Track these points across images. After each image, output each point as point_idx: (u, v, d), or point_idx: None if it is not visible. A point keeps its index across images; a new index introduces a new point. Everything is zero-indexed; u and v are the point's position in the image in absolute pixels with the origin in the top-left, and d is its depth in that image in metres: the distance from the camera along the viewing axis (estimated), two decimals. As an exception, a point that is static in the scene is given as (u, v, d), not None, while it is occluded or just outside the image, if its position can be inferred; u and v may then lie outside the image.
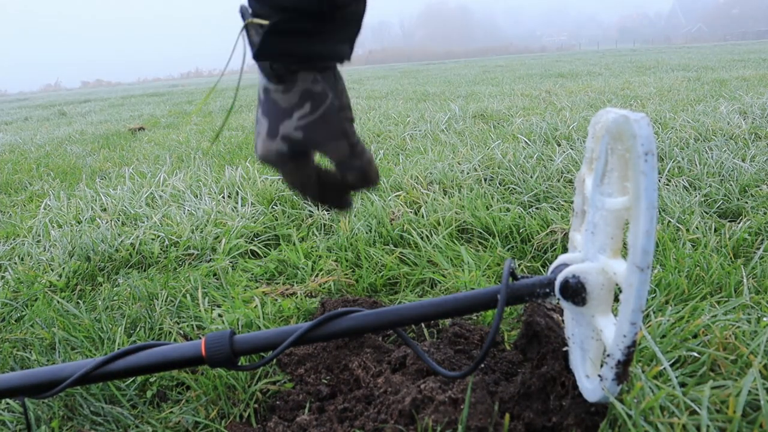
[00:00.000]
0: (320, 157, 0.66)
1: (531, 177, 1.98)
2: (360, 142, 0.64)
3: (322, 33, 0.57)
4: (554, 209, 1.66)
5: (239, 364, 0.72)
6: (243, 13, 0.58)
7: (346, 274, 1.37)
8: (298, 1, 0.54)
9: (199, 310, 1.23)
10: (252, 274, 1.45)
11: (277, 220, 1.83)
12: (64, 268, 1.57)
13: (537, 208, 1.69)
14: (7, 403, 0.97)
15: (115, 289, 1.42)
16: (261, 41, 0.55)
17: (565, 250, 1.36)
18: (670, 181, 1.89)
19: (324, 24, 0.56)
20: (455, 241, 1.51)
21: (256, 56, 0.57)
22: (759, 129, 2.64)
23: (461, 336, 1.04)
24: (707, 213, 1.57)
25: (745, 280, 1.09)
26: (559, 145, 2.52)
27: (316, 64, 0.59)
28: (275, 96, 0.60)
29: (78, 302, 1.37)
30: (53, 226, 1.99)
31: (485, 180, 2.06)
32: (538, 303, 0.93)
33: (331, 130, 0.60)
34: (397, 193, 1.91)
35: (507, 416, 0.77)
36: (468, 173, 2.12)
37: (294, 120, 0.59)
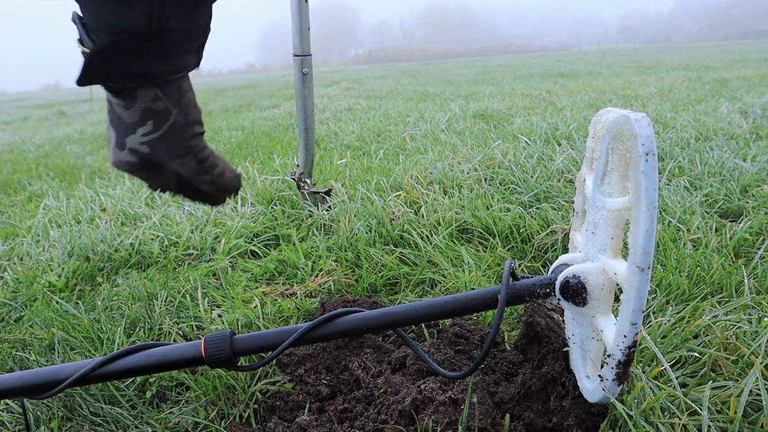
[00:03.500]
0: None
1: (531, 177, 1.98)
2: (210, 156, 0.63)
3: (157, 51, 0.54)
4: (555, 209, 1.66)
5: (239, 364, 0.72)
6: (75, 22, 0.54)
7: (346, 274, 1.37)
8: (126, 22, 0.51)
9: (199, 311, 1.23)
10: (252, 274, 1.45)
11: (276, 220, 1.82)
12: (63, 269, 1.57)
13: (537, 208, 1.69)
14: (7, 404, 0.96)
15: (114, 289, 1.41)
16: (83, 67, 0.52)
17: (565, 250, 1.36)
18: (670, 180, 1.89)
19: (156, 43, 0.53)
20: (455, 241, 1.51)
21: (80, 81, 0.53)
22: (760, 129, 2.64)
23: (461, 336, 1.04)
24: (708, 213, 1.57)
25: (746, 281, 1.08)
26: (559, 145, 2.52)
27: (154, 80, 0.57)
28: (118, 110, 0.58)
29: (77, 302, 1.37)
30: (52, 226, 1.99)
31: (485, 180, 2.05)
32: (538, 303, 0.92)
33: (175, 147, 0.59)
34: (397, 193, 1.90)
35: (507, 417, 0.77)
36: (468, 173, 2.12)
37: (138, 136, 0.58)
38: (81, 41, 0.54)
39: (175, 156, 0.59)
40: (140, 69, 0.55)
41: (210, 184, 0.63)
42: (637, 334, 0.58)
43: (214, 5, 0.58)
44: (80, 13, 0.53)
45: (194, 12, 0.55)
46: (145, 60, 0.54)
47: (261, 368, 0.99)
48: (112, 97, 0.58)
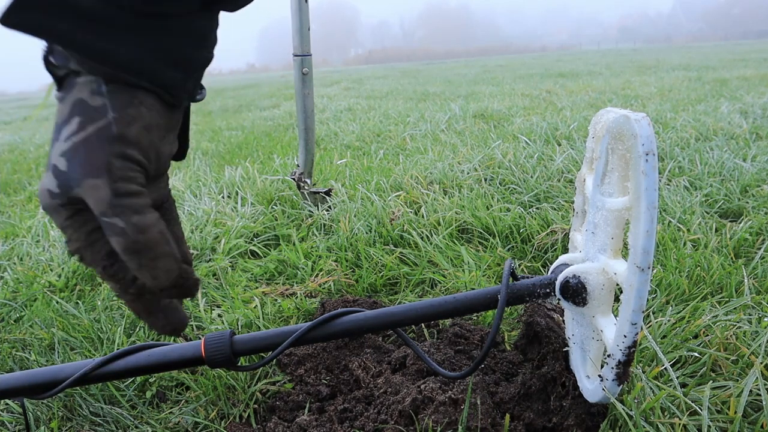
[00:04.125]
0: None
1: (531, 177, 1.98)
2: (136, 197, 0.43)
3: (122, 28, 0.41)
4: (555, 209, 1.66)
5: (239, 364, 0.72)
6: None
7: (346, 274, 1.37)
8: None
9: (199, 311, 1.23)
10: (252, 274, 1.45)
11: (276, 220, 1.82)
12: (63, 268, 1.57)
13: (537, 208, 1.69)
14: (7, 404, 0.96)
15: (114, 289, 1.41)
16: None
17: (565, 250, 1.36)
18: (670, 180, 1.89)
19: (131, 20, 0.41)
20: (455, 241, 1.51)
21: (6, 16, 0.38)
22: (760, 129, 2.64)
23: (461, 336, 1.04)
24: (708, 213, 1.57)
25: (746, 281, 1.08)
26: (559, 145, 2.52)
27: (105, 68, 0.42)
28: (57, 109, 0.45)
29: (77, 302, 1.37)
30: (52, 226, 1.99)
31: (485, 180, 2.05)
32: (538, 303, 0.92)
33: (90, 161, 0.42)
34: (397, 193, 1.90)
35: (507, 417, 0.77)
36: (468, 173, 2.12)
37: (61, 141, 0.43)
38: None
39: (86, 174, 0.42)
40: (95, 43, 0.40)
41: (119, 236, 0.43)
42: (637, 334, 0.58)
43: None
44: None
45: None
46: (104, 31, 0.40)
47: (261, 368, 0.99)
48: (55, 89, 0.45)
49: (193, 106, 8.06)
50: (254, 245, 1.64)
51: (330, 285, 1.32)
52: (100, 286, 1.47)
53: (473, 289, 1.19)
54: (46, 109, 11.00)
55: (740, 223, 1.44)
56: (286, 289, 1.32)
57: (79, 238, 0.45)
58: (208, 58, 0.48)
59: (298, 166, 1.80)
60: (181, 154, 0.54)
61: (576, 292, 0.67)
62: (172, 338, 1.14)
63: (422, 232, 1.54)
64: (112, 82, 0.43)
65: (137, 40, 0.42)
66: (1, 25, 0.38)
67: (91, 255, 0.46)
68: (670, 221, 1.47)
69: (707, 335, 0.91)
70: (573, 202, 0.80)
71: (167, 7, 0.42)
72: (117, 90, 0.44)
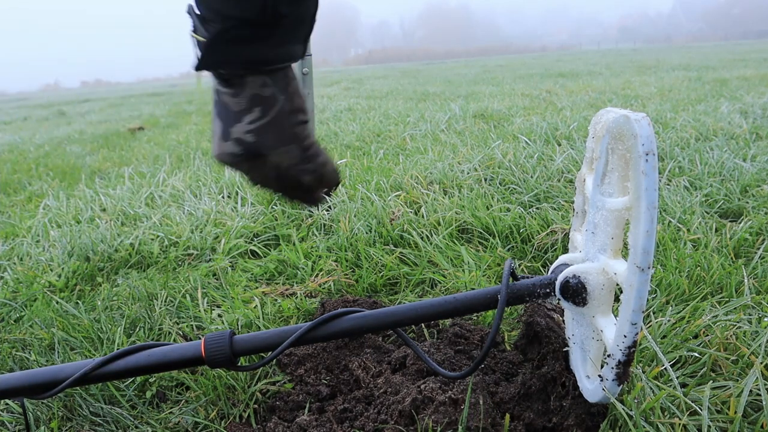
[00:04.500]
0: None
1: (531, 177, 1.98)
2: (315, 144, 0.64)
3: (268, 38, 0.56)
4: (555, 209, 1.66)
5: (239, 364, 0.72)
6: (190, 14, 0.58)
7: (346, 274, 1.37)
8: (241, 10, 0.53)
9: (199, 311, 1.23)
10: (252, 274, 1.45)
11: (276, 220, 1.82)
12: (63, 269, 1.57)
13: (537, 208, 1.69)
14: (7, 404, 0.96)
15: (114, 289, 1.41)
16: (202, 53, 0.55)
17: (565, 250, 1.36)
18: (670, 180, 1.89)
19: (269, 29, 0.56)
20: (455, 241, 1.51)
21: (198, 67, 0.56)
22: (760, 129, 2.64)
23: (461, 336, 1.04)
24: (708, 213, 1.57)
25: (746, 281, 1.08)
26: (559, 145, 2.52)
27: (265, 68, 0.59)
28: (225, 99, 0.60)
29: (77, 302, 1.37)
30: (52, 226, 1.99)
31: (485, 180, 2.05)
32: (538, 303, 0.92)
33: (281, 134, 0.60)
34: (397, 193, 1.90)
35: (507, 417, 0.77)
36: (468, 173, 2.12)
37: (244, 124, 0.59)
38: (195, 30, 0.56)
39: (280, 143, 0.60)
40: (252, 55, 0.56)
41: (312, 174, 0.64)
42: (637, 334, 0.58)
43: None
44: (195, 5, 0.56)
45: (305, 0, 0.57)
46: (256, 47, 0.56)
47: (261, 368, 0.99)
48: (220, 86, 0.59)
49: (193, 106, 8.04)
50: (254, 245, 1.64)
51: (330, 285, 1.32)
52: (100, 286, 1.47)
53: (473, 289, 1.19)
54: (44, 109, 10.99)
55: (740, 223, 1.44)
56: (286, 289, 1.32)
57: (259, 175, 0.64)
58: (314, 22, 0.62)
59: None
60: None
61: (576, 292, 0.67)
62: (173, 338, 1.14)
63: (422, 232, 1.54)
64: (271, 74, 0.59)
65: (280, 42, 0.57)
66: (203, 69, 0.57)
67: (269, 182, 0.65)
68: (670, 221, 1.47)
69: (707, 335, 0.91)
70: (573, 202, 0.80)
71: (288, 6, 0.55)
72: (277, 78, 0.60)
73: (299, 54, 0.61)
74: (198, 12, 0.56)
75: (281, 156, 0.61)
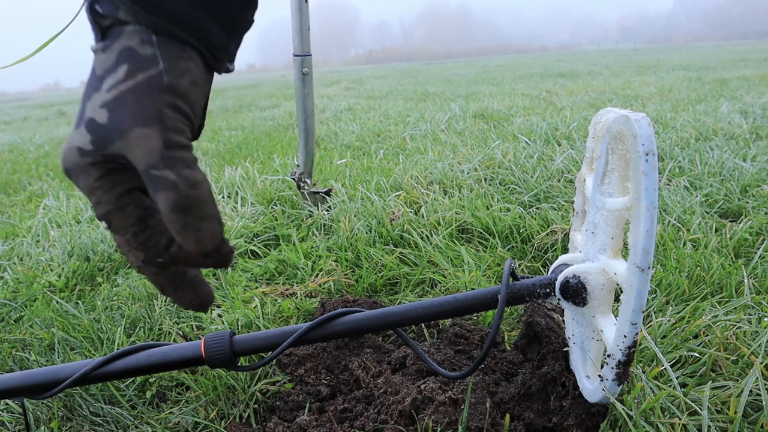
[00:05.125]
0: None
1: (531, 177, 1.98)
2: (187, 150, 0.42)
3: None
4: (554, 209, 1.66)
5: (239, 364, 0.72)
6: None
7: (346, 274, 1.37)
8: None
9: (199, 311, 1.23)
10: (252, 274, 1.45)
11: (276, 220, 1.82)
12: (63, 268, 1.57)
13: (537, 208, 1.69)
14: (7, 404, 0.96)
15: (114, 289, 1.41)
16: None
17: (565, 250, 1.36)
18: (670, 180, 1.89)
19: None
20: (455, 241, 1.51)
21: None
22: (760, 129, 2.64)
23: (461, 336, 1.04)
24: (708, 213, 1.57)
25: (746, 280, 1.08)
26: (559, 145, 2.52)
27: (155, 18, 0.41)
28: (95, 60, 0.42)
29: (77, 302, 1.37)
30: (52, 226, 1.99)
31: (485, 180, 2.05)
32: (538, 303, 0.92)
33: (141, 109, 0.40)
34: (397, 193, 1.90)
35: (507, 417, 0.77)
36: (468, 173, 2.12)
37: (102, 92, 0.41)
38: None
39: (135, 122, 0.40)
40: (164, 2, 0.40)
41: (169, 190, 0.40)
42: (637, 334, 0.58)
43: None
44: None
45: None
46: None
47: (261, 368, 0.99)
48: (95, 43, 0.43)
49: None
50: (254, 245, 1.64)
51: (330, 285, 1.32)
52: (100, 286, 1.47)
53: (473, 289, 1.19)
54: (44, 109, 10.98)
55: (740, 223, 1.44)
56: (286, 289, 1.32)
57: (109, 200, 0.43)
58: (250, 22, 0.47)
59: (298, 166, 1.80)
60: (197, 132, 0.50)
61: (576, 292, 0.67)
62: (173, 338, 1.14)
63: (422, 232, 1.54)
64: (161, 33, 0.42)
65: (213, 8, 0.42)
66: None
67: (121, 219, 0.43)
68: (670, 221, 1.47)
69: (707, 335, 0.91)
70: (573, 202, 0.80)
71: None
72: (167, 42, 0.42)
73: (214, 37, 0.44)
74: None
75: (135, 145, 0.40)
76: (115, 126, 0.40)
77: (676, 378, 0.78)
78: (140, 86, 0.40)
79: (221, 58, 0.46)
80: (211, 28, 0.44)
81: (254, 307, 1.21)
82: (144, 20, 0.41)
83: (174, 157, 0.40)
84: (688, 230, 1.40)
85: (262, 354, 0.75)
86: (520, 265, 1.36)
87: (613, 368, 0.61)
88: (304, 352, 1.03)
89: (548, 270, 0.74)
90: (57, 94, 26.33)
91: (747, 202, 1.62)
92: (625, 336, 0.59)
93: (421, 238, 1.51)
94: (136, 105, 0.40)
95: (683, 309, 1.01)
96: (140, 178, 0.42)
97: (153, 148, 0.40)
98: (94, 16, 0.42)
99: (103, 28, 0.42)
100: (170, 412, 0.92)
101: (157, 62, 0.41)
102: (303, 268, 1.42)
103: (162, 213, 0.41)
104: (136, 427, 0.90)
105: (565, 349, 0.82)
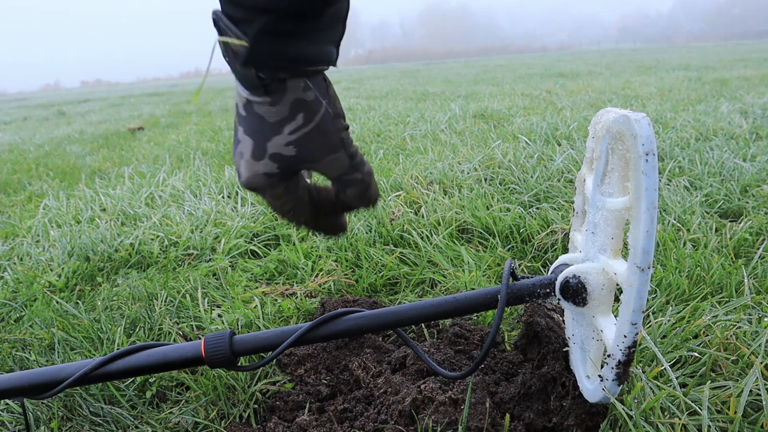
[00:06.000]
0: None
1: (531, 177, 1.98)
2: (358, 151, 0.59)
3: (310, 34, 0.52)
4: (555, 209, 1.66)
5: (239, 364, 0.72)
6: (216, 21, 0.52)
7: (346, 274, 1.37)
8: (289, 1, 0.49)
9: (199, 311, 1.23)
10: (252, 274, 1.45)
11: (277, 220, 1.82)
12: (63, 268, 1.57)
13: (537, 208, 1.69)
14: (7, 404, 0.96)
15: (114, 289, 1.41)
16: (253, 44, 0.50)
17: (565, 250, 1.36)
18: (670, 180, 1.89)
19: (311, 24, 0.51)
20: (455, 241, 1.51)
21: (247, 62, 0.51)
22: (760, 129, 2.64)
23: (461, 336, 1.04)
24: (708, 213, 1.57)
25: (746, 280, 1.08)
26: (559, 145, 2.52)
27: (307, 68, 0.54)
28: (261, 110, 0.54)
29: (77, 302, 1.37)
30: (52, 226, 1.99)
31: (485, 180, 2.05)
32: (538, 303, 0.92)
33: (327, 141, 0.55)
34: (397, 193, 1.90)
35: (507, 417, 0.77)
36: (468, 173, 2.12)
37: (284, 135, 0.54)
38: (223, 34, 0.51)
39: (327, 151, 0.55)
40: (297, 52, 0.51)
41: (359, 185, 0.58)
42: (637, 334, 0.58)
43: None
44: (225, 6, 0.51)
45: None
46: (300, 43, 0.51)
47: (261, 368, 0.99)
48: (255, 95, 0.53)
49: (193, 106, 8.03)
50: (254, 245, 1.64)
51: (330, 285, 1.32)
52: (100, 286, 1.48)
53: (473, 289, 1.19)
54: (44, 109, 10.98)
55: (740, 223, 1.44)
56: (286, 289, 1.32)
57: (293, 198, 0.58)
58: (345, 28, 0.59)
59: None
60: None
61: (576, 292, 0.67)
62: (173, 338, 1.14)
63: (422, 232, 1.54)
64: (312, 77, 0.54)
65: (321, 39, 0.53)
66: (248, 66, 0.51)
67: (301, 206, 0.59)
68: (670, 221, 1.47)
69: (707, 335, 0.91)
70: (573, 202, 0.80)
71: (323, 5, 0.51)
72: (317, 81, 0.55)
73: (335, 57, 0.56)
74: (229, 13, 0.51)
75: (328, 166, 0.56)
76: (306, 157, 0.55)
77: (676, 378, 0.78)
78: (319, 126, 0.54)
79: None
80: (333, 52, 0.55)
81: (254, 307, 1.21)
82: (300, 73, 0.53)
83: (356, 163, 0.58)
84: (688, 230, 1.40)
85: (262, 354, 0.75)
86: (520, 265, 1.36)
87: (613, 368, 0.61)
88: (304, 352, 1.03)
89: (548, 270, 0.74)
90: (57, 94, 26.34)
91: (747, 202, 1.62)
92: (625, 336, 0.59)
93: (421, 238, 1.51)
94: (321, 140, 0.55)
95: (683, 309, 1.01)
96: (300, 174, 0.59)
97: (343, 164, 0.57)
98: (257, 80, 0.52)
99: (266, 86, 0.53)
100: (170, 412, 0.92)
101: (321, 103, 0.55)
102: (303, 268, 1.42)
103: (347, 196, 0.59)
104: (136, 427, 0.90)
105: (565, 349, 0.82)
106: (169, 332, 1.15)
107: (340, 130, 0.56)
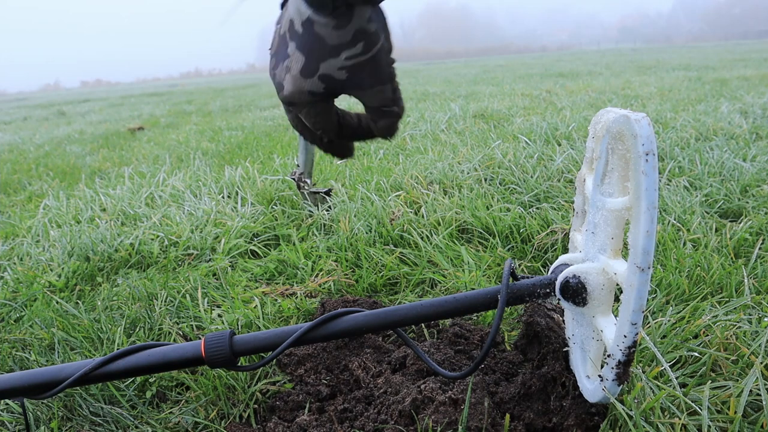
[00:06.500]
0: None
1: (531, 177, 1.98)
2: (399, 87, 0.62)
3: None
4: (555, 209, 1.66)
5: (239, 364, 0.72)
6: None
7: (346, 274, 1.37)
8: None
9: (199, 311, 1.23)
10: (252, 274, 1.45)
11: (276, 220, 1.82)
12: (63, 269, 1.57)
13: (537, 208, 1.69)
14: (7, 404, 0.96)
15: (114, 289, 1.41)
16: None
17: (565, 250, 1.36)
18: (670, 180, 1.89)
19: None
20: (455, 241, 1.51)
21: None
22: (760, 128, 2.64)
23: (461, 336, 1.04)
24: (708, 213, 1.57)
25: (746, 280, 1.08)
26: (559, 145, 2.52)
27: None
28: (322, 31, 0.54)
29: (77, 302, 1.37)
30: (52, 226, 1.99)
31: (485, 180, 2.05)
32: (538, 303, 0.92)
33: (378, 73, 0.57)
34: (397, 193, 1.90)
35: (507, 417, 0.77)
36: (468, 173, 2.12)
37: (340, 59, 0.55)
38: None
39: (377, 82, 0.58)
40: None
41: (394, 117, 0.61)
42: (637, 334, 0.58)
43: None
44: None
45: None
46: None
47: (261, 368, 0.99)
48: (319, 15, 0.54)
49: (193, 106, 8.03)
50: (254, 245, 1.64)
51: (330, 285, 1.32)
52: (100, 286, 1.47)
53: (473, 289, 1.19)
54: (44, 109, 10.98)
55: (740, 223, 1.44)
56: (286, 289, 1.32)
57: (327, 118, 0.60)
58: None
59: (298, 166, 1.80)
60: None
61: (576, 292, 0.67)
62: (173, 338, 1.14)
63: (422, 232, 1.54)
64: (376, 8, 0.55)
65: None
66: None
67: (331, 127, 0.62)
68: (670, 221, 1.47)
69: (707, 335, 0.91)
70: (573, 202, 0.80)
71: None
72: (378, 14, 0.56)
73: None
74: None
75: (374, 96, 0.59)
76: (355, 83, 0.57)
77: (676, 378, 0.78)
78: (375, 57, 0.56)
79: None
80: None
81: (254, 307, 1.21)
82: (370, 1, 0.53)
83: (397, 97, 0.61)
84: (688, 230, 1.40)
85: (262, 354, 0.75)
86: (520, 265, 1.36)
87: (613, 368, 0.61)
88: (304, 352, 1.03)
89: (548, 270, 0.74)
90: (57, 94, 26.34)
91: (747, 202, 1.62)
92: (625, 336, 0.59)
93: (421, 238, 1.51)
94: (373, 71, 0.57)
95: (683, 309, 1.01)
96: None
97: (386, 97, 0.59)
98: (323, 3, 0.53)
99: (335, 8, 0.53)
100: (170, 412, 0.92)
101: (380, 36, 0.56)
102: (303, 268, 1.42)
103: (378, 125, 0.62)
104: (136, 427, 0.90)
105: (565, 349, 0.82)
106: (169, 332, 1.15)
107: (390, 64, 0.59)
